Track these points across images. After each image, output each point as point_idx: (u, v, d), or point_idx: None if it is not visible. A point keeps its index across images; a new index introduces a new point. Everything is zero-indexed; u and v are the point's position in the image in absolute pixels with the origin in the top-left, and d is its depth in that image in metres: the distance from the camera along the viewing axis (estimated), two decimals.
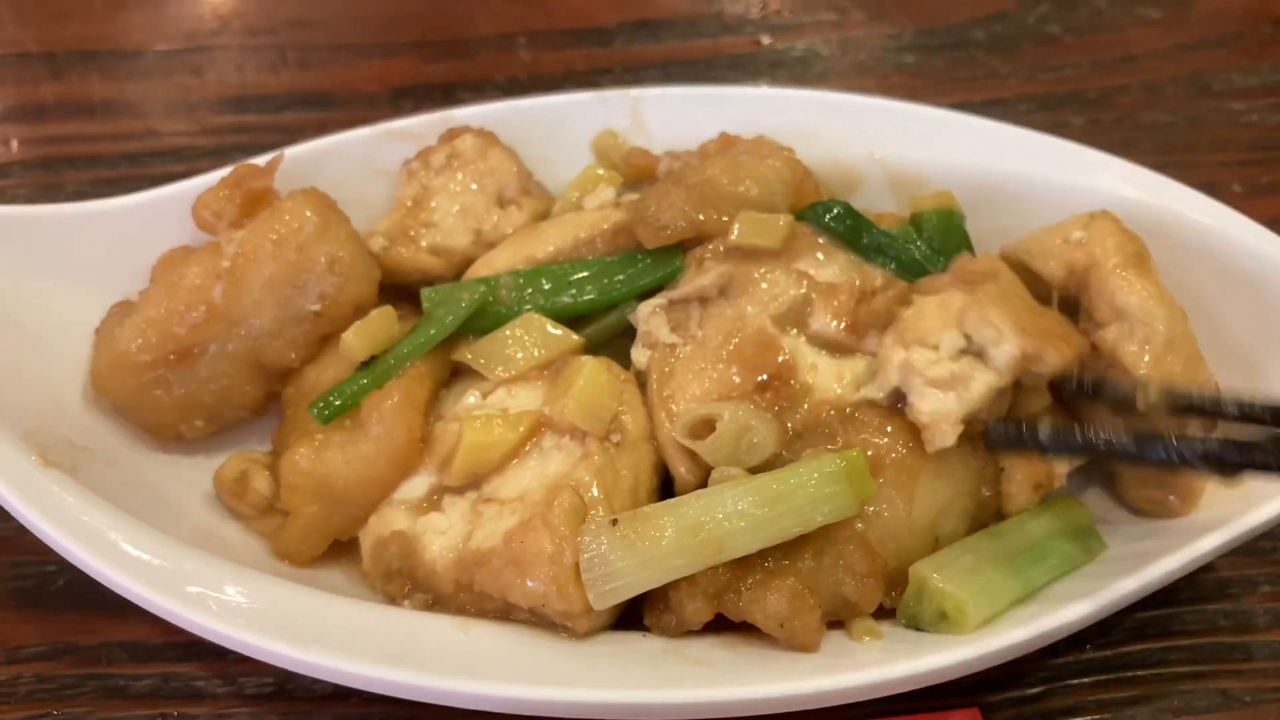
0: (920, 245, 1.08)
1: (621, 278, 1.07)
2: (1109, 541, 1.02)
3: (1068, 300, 1.06)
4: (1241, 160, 1.49)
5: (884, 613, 0.98)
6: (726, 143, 1.17)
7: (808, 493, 0.91)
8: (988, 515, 1.02)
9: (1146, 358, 0.98)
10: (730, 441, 0.94)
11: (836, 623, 0.96)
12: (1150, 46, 1.66)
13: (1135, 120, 1.56)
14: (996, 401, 0.96)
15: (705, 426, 0.96)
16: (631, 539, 0.88)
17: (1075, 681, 1.01)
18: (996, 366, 0.94)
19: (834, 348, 1.03)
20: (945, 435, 0.94)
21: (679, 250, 1.07)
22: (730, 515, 0.89)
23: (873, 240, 1.07)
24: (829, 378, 1.02)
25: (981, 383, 0.94)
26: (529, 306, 1.06)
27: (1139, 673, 1.02)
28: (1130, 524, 1.06)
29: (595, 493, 0.93)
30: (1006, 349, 0.94)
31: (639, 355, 1.04)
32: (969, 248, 1.09)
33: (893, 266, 1.06)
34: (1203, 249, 1.11)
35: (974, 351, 0.95)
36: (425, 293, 1.07)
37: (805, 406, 1.00)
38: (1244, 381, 1.07)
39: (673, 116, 1.25)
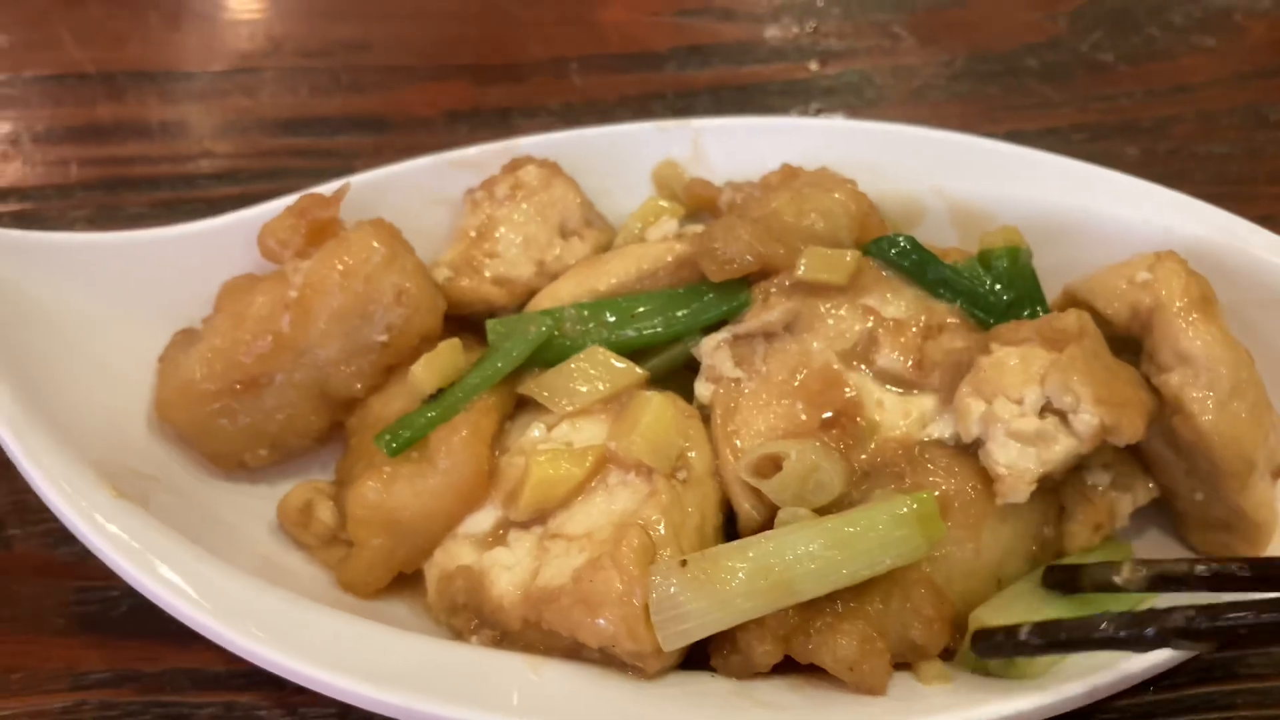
0: (988, 281, 1.07)
1: (685, 311, 1.06)
2: None
3: (1130, 341, 1.05)
4: None
5: (949, 654, 0.97)
6: (789, 174, 1.17)
7: (878, 535, 0.90)
8: (1048, 554, 1.01)
9: (1211, 405, 0.97)
10: (797, 481, 0.94)
11: (903, 664, 0.95)
12: (1205, 76, 1.66)
13: (1190, 150, 1.55)
14: (1070, 463, 0.96)
15: (771, 465, 0.96)
16: (702, 580, 0.87)
17: None
18: (1078, 434, 0.94)
19: (900, 383, 1.03)
20: (1019, 492, 0.94)
21: (744, 284, 1.06)
22: (800, 558, 0.88)
23: (939, 275, 1.06)
24: (895, 414, 1.01)
25: (1064, 446, 0.94)
26: (593, 339, 1.06)
27: (1206, 716, 1.01)
28: None
29: (663, 531, 0.92)
30: (1087, 419, 0.93)
31: (703, 389, 1.04)
32: (1037, 285, 1.08)
33: (960, 303, 1.05)
34: (1267, 284, 1.09)
35: (1055, 411, 0.95)
36: (491, 324, 1.07)
37: (872, 445, 0.99)
38: None
39: (733, 147, 1.25)
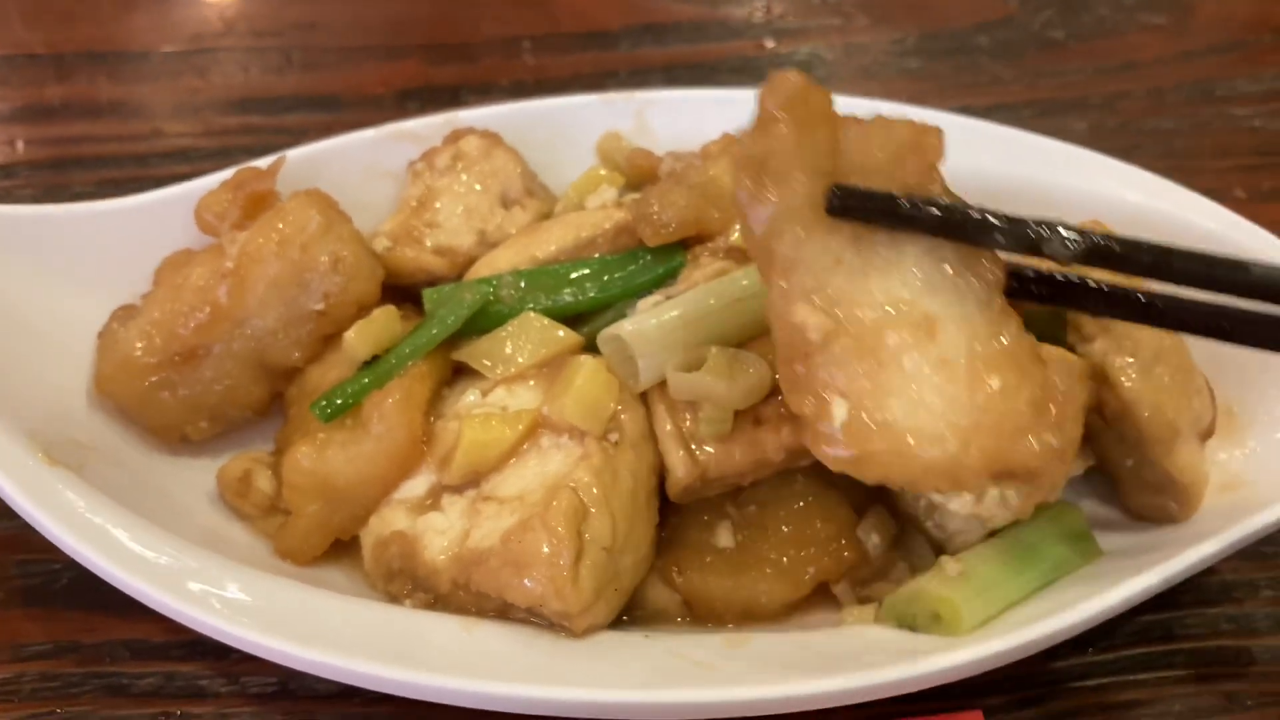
0: None
1: (621, 275, 1.07)
2: (1110, 547, 1.02)
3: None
4: (1244, 166, 1.50)
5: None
6: (728, 143, 1.17)
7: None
8: None
9: (1134, 372, 0.98)
10: (726, 364, 0.95)
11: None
12: (1154, 53, 1.67)
13: (1138, 126, 1.56)
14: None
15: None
16: None
17: (1078, 685, 1.01)
18: (1013, 507, 0.99)
19: None
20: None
21: (680, 248, 1.07)
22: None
23: None
24: None
25: (1003, 518, 1.00)
26: (530, 306, 1.06)
27: (1142, 676, 1.02)
28: (1130, 530, 1.06)
29: (594, 492, 0.93)
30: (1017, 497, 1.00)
31: None
32: None
33: None
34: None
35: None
36: (427, 293, 1.08)
37: None
38: (1242, 390, 1.08)
39: (677, 119, 1.26)
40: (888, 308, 0.85)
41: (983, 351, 0.85)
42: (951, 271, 0.86)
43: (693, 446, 0.96)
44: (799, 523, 1.01)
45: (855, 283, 0.85)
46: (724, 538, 1.01)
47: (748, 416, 0.97)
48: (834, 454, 0.84)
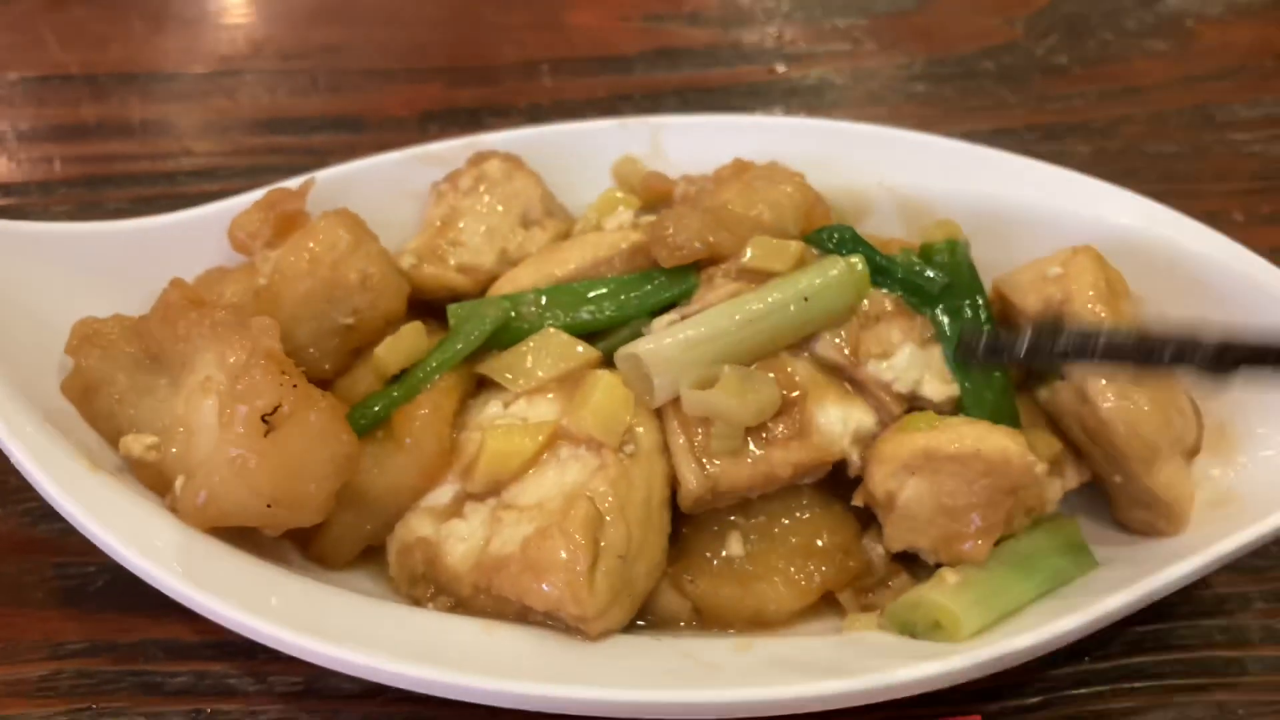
0: (922, 269, 1.10)
1: (637, 295, 1.11)
2: (1105, 559, 1.05)
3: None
4: (1243, 190, 1.53)
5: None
6: (740, 168, 1.21)
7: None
8: None
9: (1110, 393, 1.02)
10: (737, 383, 0.99)
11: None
12: (1156, 78, 1.70)
13: (1140, 150, 1.59)
14: None
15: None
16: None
17: (1074, 692, 1.04)
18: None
19: (836, 373, 1.08)
20: None
21: (693, 270, 1.11)
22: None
23: (875, 264, 1.10)
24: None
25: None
26: (550, 322, 1.10)
27: (1136, 685, 1.05)
28: (1125, 543, 1.09)
29: (610, 502, 0.97)
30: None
31: None
32: (975, 276, 1.13)
33: (898, 290, 1.10)
34: (1201, 279, 1.14)
35: None
36: (452, 309, 1.11)
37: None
38: (1233, 407, 1.11)
39: (691, 143, 1.29)
40: None
41: None
42: None
43: (704, 461, 1.00)
44: (806, 534, 1.05)
45: None
46: (734, 547, 1.05)
47: (757, 433, 1.02)
48: None
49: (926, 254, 1.14)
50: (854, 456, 1.04)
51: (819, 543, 1.05)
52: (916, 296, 1.09)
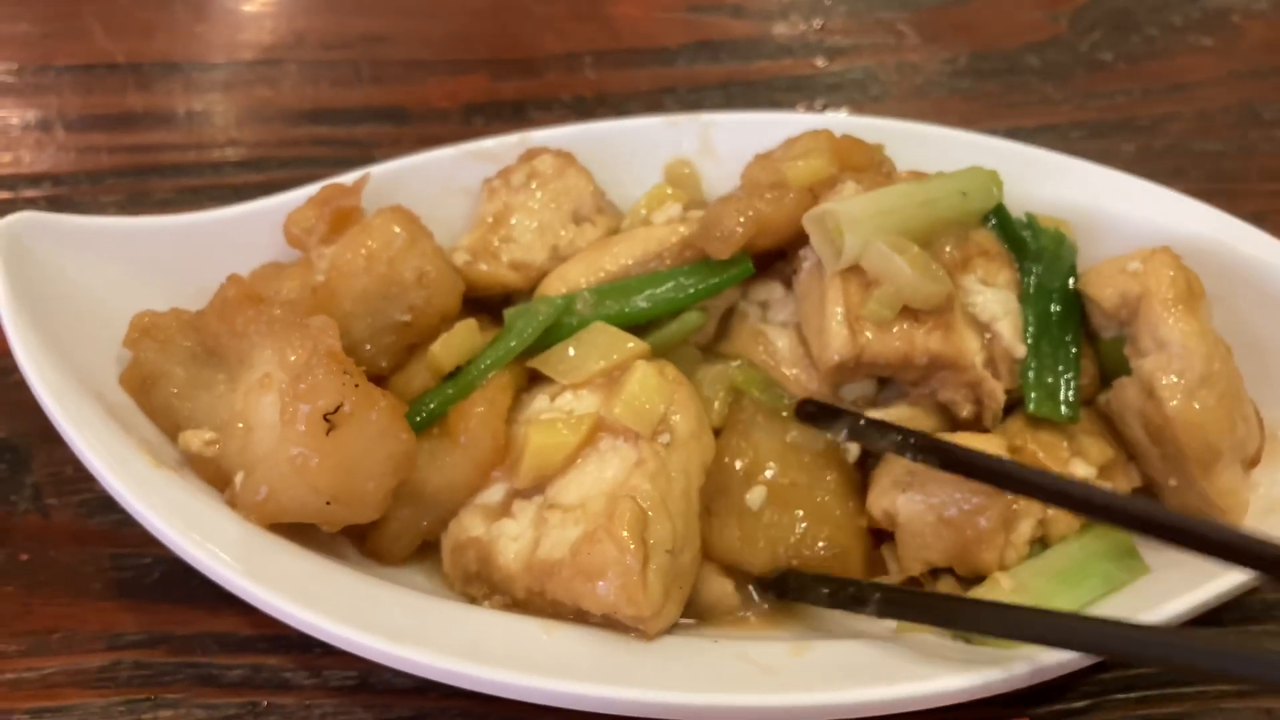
0: (1027, 228, 1.17)
1: (689, 284, 1.12)
2: (1154, 564, 1.04)
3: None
4: None
5: None
6: (762, 158, 1.21)
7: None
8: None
9: (1179, 391, 1.02)
10: (923, 262, 1.04)
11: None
12: (1201, 75, 1.69)
13: (1186, 148, 1.58)
14: None
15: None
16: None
17: (1122, 696, 1.05)
18: None
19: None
20: None
21: (744, 258, 1.12)
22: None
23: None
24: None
25: None
26: (601, 315, 1.10)
27: (1184, 690, 1.05)
28: (1175, 549, 1.08)
29: (653, 498, 0.97)
30: None
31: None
32: (1073, 261, 1.16)
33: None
34: (1255, 281, 1.14)
35: None
36: (507, 312, 1.12)
37: None
38: None
39: (741, 140, 1.28)
40: None
41: None
42: None
43: (855, 329, 1.03)
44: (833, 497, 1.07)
45: None
46: (756, 500, 1.06)
47: (909, 315, 1.05)
48: None
49: (1033, 221, 1.17)
50: (985, 375, 1.07)
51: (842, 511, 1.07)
52: (1015, 251, 1.13)
